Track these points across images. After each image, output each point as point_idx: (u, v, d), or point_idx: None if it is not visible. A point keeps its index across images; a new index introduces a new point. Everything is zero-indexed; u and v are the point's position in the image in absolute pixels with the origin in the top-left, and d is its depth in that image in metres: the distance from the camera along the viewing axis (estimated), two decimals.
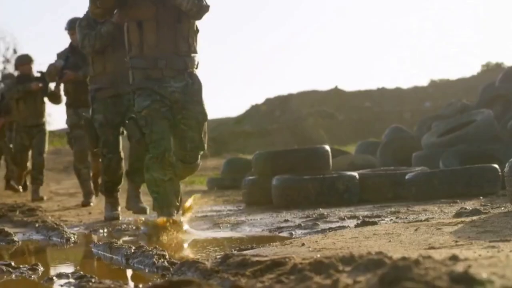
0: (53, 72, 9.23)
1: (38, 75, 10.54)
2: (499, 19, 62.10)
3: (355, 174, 7.09)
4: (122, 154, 6.96)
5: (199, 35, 5.61)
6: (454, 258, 2.19)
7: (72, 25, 8.69)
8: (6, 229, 5.76)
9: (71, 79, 8.88)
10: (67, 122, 9.17)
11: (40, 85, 10.37)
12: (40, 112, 10.80)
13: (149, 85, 5.37)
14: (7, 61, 36.97)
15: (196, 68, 5.58)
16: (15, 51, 36.98)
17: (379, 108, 29.36)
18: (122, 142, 6.92)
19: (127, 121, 5.67)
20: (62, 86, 9.43)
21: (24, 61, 10.97)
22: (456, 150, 8.19)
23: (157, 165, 5.28)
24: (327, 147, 7.76)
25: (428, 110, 23.13)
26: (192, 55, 5.50)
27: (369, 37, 65.00)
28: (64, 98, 9.46)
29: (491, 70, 31.11)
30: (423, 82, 36.50)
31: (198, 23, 5.52)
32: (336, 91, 33.48)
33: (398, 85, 30.85)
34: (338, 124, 26.65)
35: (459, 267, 1.91)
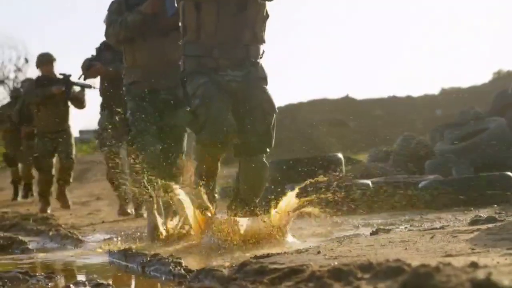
0: (84, 65, 8.24)
1: (60, 77, 9.73)
2: (510, 27, 61.96)
3: (369, 182, 7.08)
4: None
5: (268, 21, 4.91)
6: (474, 265, 2.19)
7: None
8: (20, 237, 5.79)
9: (100, 73, 8.07)
10: (100, 123, 8.29)
11: (63, 88, 9.61)
12: (62, 117, 9.98)
13: (203, 71, 4.74)
14: (18, 70, 37.10)
15: (261, 58, 4.93)
16: (26, 60, 37.11)
17: (390, 116, 29.30)
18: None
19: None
20: (87, 88, 8.78)
21: (45, 61, 10.04)
22: (469, 158, 8.17)
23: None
24: (340, 155, 7.76)
25: (439, 118, 23.07)
26: (257, 44, 4.87)
27: (380, 45, 64.96)
28: (93, 101, 8.92)
29: (502, 78, 30.98)
30: (434, 90, 36.44)
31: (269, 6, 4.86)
32: (347, 99, 33.42)
33: (409, 93, 30.75)
34: (349, 132, 26.60)
35: (480, 274, 1.90)
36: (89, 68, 8.06)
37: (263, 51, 4.92)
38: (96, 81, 8.59)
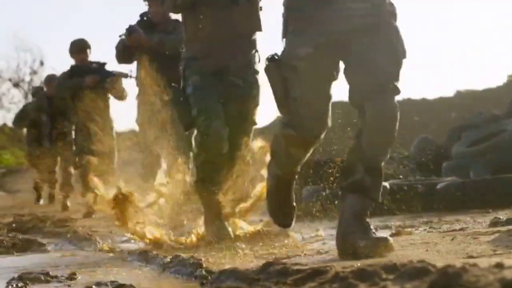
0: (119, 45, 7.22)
1: (95, 65, 8.96)
2: None
3: (386, 184, 7.07)
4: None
5: None
6: (500, 266, 2.17)
7: None
8: (39, 239, 5.82)
9: (142, 42, 6.88)
10: (137, 120, 7.22)
11: (97, 78, 8.79)
12: (101, 110, 8.79)
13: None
14: (34, 72, 37.18)
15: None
16: (42, 63, 37.18)
17: (405, 119, 29.18)
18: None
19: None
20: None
21: (78, 49, 9.25)
22: (487, 159, 8.15)
23: None
24: None
25: (454, 121, 22.99)
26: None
27: None
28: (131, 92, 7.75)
29: None
30: (449, 92, 36.28)
31: None
32: None
33: (424, 96, 30.63)
34: None
35: (508, 274, 1.89)
36: (130, 33, 6.95)
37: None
38: (133, 69, 7.52)
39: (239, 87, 4.97)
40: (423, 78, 50.57)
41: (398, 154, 11.12)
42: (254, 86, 5.03)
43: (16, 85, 37.01)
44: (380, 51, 3.57)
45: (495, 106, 20.23)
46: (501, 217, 4.97)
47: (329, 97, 3.82)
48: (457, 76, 54.85)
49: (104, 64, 9.02)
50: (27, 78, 37.25)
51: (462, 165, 8.32)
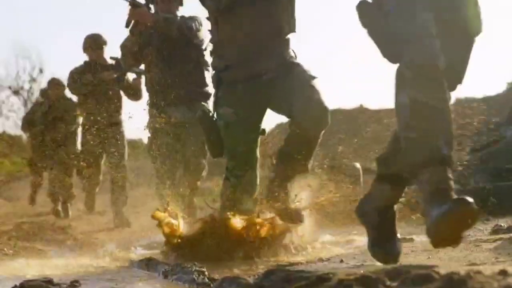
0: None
1: (112, 62, 8.11)
2: None
3: None
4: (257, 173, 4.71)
5: None
6: (504, 273, 2.18)
7: None
8: (40, 247, 5.81)
9: (146, 18, 6.05)
10: (149, 124, 6.48)
11: (114, 75, 8.08)
12: (114, 108, 8.40)
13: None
14: (33, 80, 37.17)
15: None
16: (41, 70, 37.16)
17: None
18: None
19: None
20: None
21: (94, 45, 8.63)
22: (488, 167, 8.14)
23: None
24: (358, 165, 7.74)
25: (454, 129, 22.95)
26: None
27: None
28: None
29: None
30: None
31: None
32: (361, 109, 33.33)
33: None
34: (364, 142, 26.55)
35: None
36: (135, 6, 6.11)
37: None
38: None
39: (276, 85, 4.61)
40: None
41: None
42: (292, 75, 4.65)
43: (16, 92, 36.99)
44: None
45: (494, 114, 20.24)
46: (502, 225, 4.97)
47: None
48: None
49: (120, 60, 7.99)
50: (27, 86, 37.24)
51: (462, 172, 8.31)
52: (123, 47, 6.49)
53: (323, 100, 4.48)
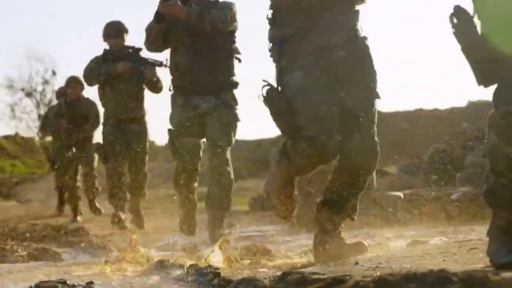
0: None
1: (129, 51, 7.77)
2: None
3: (400, 194, 7.06)
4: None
5: None
6: None
7: None
8: (54, 248, 5.83)
9: (177, 12, 5.53)
10: (172, 120, 5.89)
11: (130, 65, 7.65)
12: (133, 101, 7.79)
13: None
14: (46, 82, 37.32)
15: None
16: (54, 73, 37.31)
17: (416, 129, 29.14)
18: None
19: None
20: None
21: (115, 33, 8.06)
22: None
23: None
24: None
25: (467, 131, 22.91)
26: None
27: (405, 57, 64.84)
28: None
29: None
30: (461, 103, 36.13)
31: None
32: None
33: (436, 106, 30.50)
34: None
35: None
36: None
37: None
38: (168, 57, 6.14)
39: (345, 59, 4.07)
40: (435, 88, 50.53)
41: (410, 164, 11.11)
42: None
43: (29, 94, 37.16)
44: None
45: None
46: None
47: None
48: (469, 86, 54.85)
49: (139, 49, 7.77)
50: (39, 88, 37.38)
51: (476, 175, 8.29)
52: (149, 28, 5.81)
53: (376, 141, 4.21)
